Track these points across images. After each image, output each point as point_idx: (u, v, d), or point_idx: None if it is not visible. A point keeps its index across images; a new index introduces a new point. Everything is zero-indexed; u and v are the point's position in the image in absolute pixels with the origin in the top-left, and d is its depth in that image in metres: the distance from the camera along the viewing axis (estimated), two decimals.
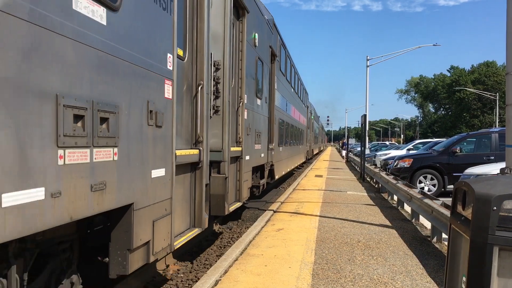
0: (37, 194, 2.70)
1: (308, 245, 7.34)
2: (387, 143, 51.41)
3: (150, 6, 4.24)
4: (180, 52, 5.37)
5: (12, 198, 2.49)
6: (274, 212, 10.67)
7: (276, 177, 14.09)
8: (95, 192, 3.33)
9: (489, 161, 14.24)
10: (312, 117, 40.13)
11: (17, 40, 2.52)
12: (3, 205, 2.43)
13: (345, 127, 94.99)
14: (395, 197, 12.37)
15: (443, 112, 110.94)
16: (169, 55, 4.73)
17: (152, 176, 4.38)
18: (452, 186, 3.10)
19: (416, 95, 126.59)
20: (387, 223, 9.49)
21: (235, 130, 8.35)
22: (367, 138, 27.08)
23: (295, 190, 15.24)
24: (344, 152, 43.76)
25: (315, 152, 48.29)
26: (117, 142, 3.64)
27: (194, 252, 8.17)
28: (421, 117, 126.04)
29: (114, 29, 3.57)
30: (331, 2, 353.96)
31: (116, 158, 3.64)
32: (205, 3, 5.90)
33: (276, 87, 13.67)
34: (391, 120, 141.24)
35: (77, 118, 3.11)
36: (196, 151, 5.76)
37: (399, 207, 11.64)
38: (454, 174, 14.97)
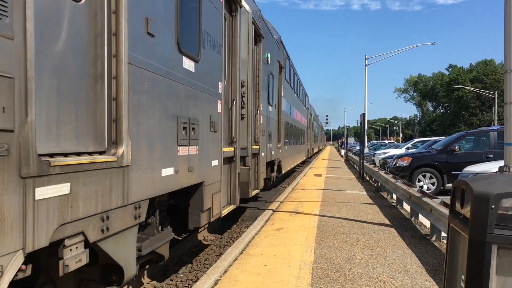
0: (170, 171, 4.81)
1: (308, 244, 7.35)
2: (386, 141, 51.40)
3: (212, 54, 6.43)
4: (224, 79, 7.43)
5: (164, 173, 4.62)
6: (274, 211, 10.68)
7: (283, 171, 16.23)
8: (189, 172, 5.44)
9: (488, 160, 14.24)
10: (312, 117, 41.95)
11: (163, 88, 4.60)
12: (162, 175, 4.59)
13: (344, 126, 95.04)
14: (394, 196, 12.39)
15: (441, 110, 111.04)
16: (219, 83, 6.92)
17: (212, 165, 6.48)
18: (451, 185, 3.11)
19: (414, 94, 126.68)
20: (387, 222, 9.50)
21: (254, 132, 10.27)
22: (366, 137, 27.13)
23: (294, 190, 15.25)
24: (343, 151, 43.80)
25: (315, 151, 50.27)
26: (198, 143, 5.74)
27: (193, 252, 8.17)
28: (420, 116, 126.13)
29: (196, 73, 5.67)
30: (330, 1, 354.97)
31: (197, 152, 5.71)
32: (237, 41, 8.21)
33: (282, 95, 15.76)
34: (390, 119, 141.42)
35: (183, 128, 5.16)
36: (232, 149, 7.91)
37: (398, 206, 11.66)
38: (453, 172, 14.98)
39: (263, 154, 11.30)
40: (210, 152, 6.32)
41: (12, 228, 2.56)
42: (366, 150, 29.11)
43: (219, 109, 6.85)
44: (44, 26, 2.98)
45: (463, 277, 3.00)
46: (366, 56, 35.59)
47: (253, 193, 10.02)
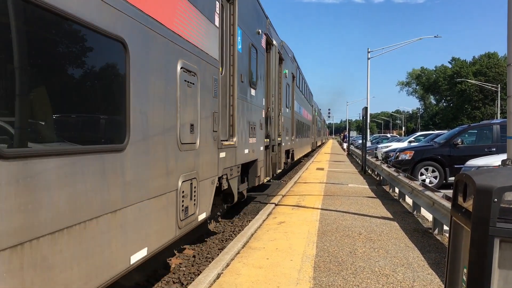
0: (247, 151, 9.11)
1: (310, 238, 7.36)
2: (389, 135, 51.30)
3: (260, 81, 10.49)
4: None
5: (245, 151, 8.99)
6: (276, 205, 10.69)
7: (295, 158, 21.43)
8: (253, 152, 9.64)
9: (490, 153, 14.21)
10: (316, 113, 44.98)
11: (245, 107, 8.93)
12: (245, 152, 8.88)
13: (346, 119, 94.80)
14: (397, 190, 12.38)
15: (444, 104, 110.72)
16: (263, 99, 11.25)
17: (260, 149, 10.68)
18: (453, 178, 3.10)
19: (417, 87, 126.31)
20: (389, 215, 9.50)
21: (278, 128, 13.89)
22: (368, 130, 27.09)
23: (296, 183, 15.26)
24: (345, 145, 43.75)
25: (318, 144, 55.06)
26: (255, 136, 9.88)
27: (195, 245, 8.19)
28: (422, 109, 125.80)
29: (255, 96, 9.73)
30: None
31: (255, 141, 9.92)
32: (270, 68, 12.48)
33: (294, 98, 20.00)
34: (392, 112, 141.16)
35: (250, 128, 9.33)
36: (267, 140, 12.07)
37: (400, 200, 11.65)
38: (455, 166, 14.96)
39: (283, 144, 15.42)
40: (259, 142, 10.67)
41: (215, 167, 6.88)
42: (369, 144, 29.07)
43: (263, 115, 11.21)
44: (224, 89, 7.75)
45: (465, 270, 2.99)
46: (369, 50, 35.46)
47: (278, 171, 14.44)
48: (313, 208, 10.25)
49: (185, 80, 5.41)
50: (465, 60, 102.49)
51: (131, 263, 4.11)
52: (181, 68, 5.24)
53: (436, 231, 7.84)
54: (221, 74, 7.35)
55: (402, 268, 5.83)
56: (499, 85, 66.03)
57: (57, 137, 3.29)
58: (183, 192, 5.42)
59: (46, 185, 2.97)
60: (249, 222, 9.25)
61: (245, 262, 6.04)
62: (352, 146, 40.49)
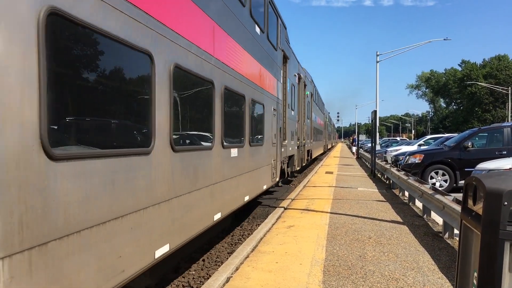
0: (290, 148, 15.87)
1: (319, 242, 7.35)
2: (398, 138, 51.02)
3: (295, 103, 17.17)
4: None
5: (289, 148, 15.26)
6: (285, 209, 10.69)
7: (313, 156, 28.03)
8: (292, 150, 15.97)
9: (501, 156, 14.09)
10: (327, 120, 53.04)
11: (289, 123, 15.41)
12: (289, 149, 15.35)
13: (355, 123, 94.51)
14: (406, 193, 12.31)
15: (454, 107, 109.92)
16: (296, 115, 17.64)
17: (295, 148, 16.81)
18: (463, 182, 3.09)
19: (427, 90, 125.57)
20: (399, 219, 9.45)
21: (302, 134, 19.63)
22: (377, 134, 26.99)
23: (305, 187, 15.24)
24: (354, 148, 43.55)
25: (329, 146, 62.72)
26: (293, 139, 16.68)
27: (205, 249, 8.22)
28: (432, 112, 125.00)
29: (293, 114, 16.31)
30: None
31: (293, 143, 16.26)
32: (300, 93, 18.89)
33: (312, 111, 26.42)
34: (401, 115, 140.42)
35: (292, 135, 16.18)
36: (298, 142, 17.72)
37: (410, 203, 11.59)
38: (466, 169, 14.83)
39: (306, 145, 21.60)
40: (295, 143, 16.34)
41: (281, 155, 13.46)
42: (378, 147, 28.93)
43: (296, 126, 17.13)
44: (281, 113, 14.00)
45: (475, 274, 2.98)
46: (378, 53, 35.35)
47: (303, 164, 20.70)
48: (322, 212, 10.23)
49: (274, 109, 12.09)
50: (475, 62, 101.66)
51: (260, 191, 10.50)
52: (273, 109, 12.09)
53: (446, 235, 7.79)
54: (290, 108, 15.57)
55: (412, 272, 5.80)
56: (510, 87, 65.45)
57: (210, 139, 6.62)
58: (272, 165, 11.78)
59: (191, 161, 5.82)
60: (258, 226, 9.25)
61: (255, 266, 6.05)
62: (361, 149, 40.33)
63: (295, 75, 16.87)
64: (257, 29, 9.93)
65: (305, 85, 20.66)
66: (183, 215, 5.39)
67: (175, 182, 5.11)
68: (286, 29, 14.84)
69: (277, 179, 12.73)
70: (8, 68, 2.70)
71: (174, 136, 5.06)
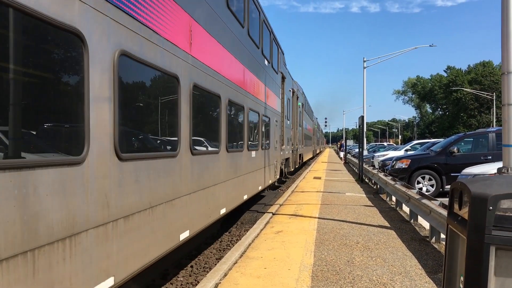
0: (287, 152, 19.79)
1: (307, 247, 7.36)
2: (385, 144, 51.44)
3: (290, 114, 21.21)
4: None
5: (286, 152, 19.41)
6: (273, 214, 10.69)
7: (304, 160, 32.41)
8: (287, 153, 20.04)
9: (486, 161, 14.28)
10: (316, 126, 56.90)
11: (286, 130, 19.51)
12: (286, 153, 19.30)
13: (343, 128, 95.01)
14: (394, 198, 12.40)
15: (440, 112, 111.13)
16: (291, 123, 21.87)
17: (290, 152, 21.40)
18: (450, 187, 3.13)
19: (413, 96, 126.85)
20: (386, 224, 9.51)
21: (295, 140, 23.23)
22: (365, 139, 27.21)
23: (293, 192, 15.26)
24: (342, 154, 43.78)
25: (317, 151, 65.76)
26: (289, 144, 20.78)
27: (193, 255, 8.18)
28: (418, 118, 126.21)
29: (289, 123, 20.88)
30: (329, 4, 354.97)
31: (288, 147, 20.38)
32: (294, 104, 22.81)
33: (303, 119, 30.20)
34: (388, 121, 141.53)
35: (288, 140, 20.13)
36: (292, 147, 22.32)
37: (397, 208, 11.67)
38: (452, 174, 15.00)
39: (298, 149, 25.44)
40: (290, 148, 20.57)
41: (280, 157, 17.29)
42: (365, 153, 29.12)
43: (291, 133, 21.49)
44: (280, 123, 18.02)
45: (462, 278, 3.01)
46: (365, 59, 35.65)
47: (296, 166, 25.07)
48: (311, 217, 10.25)
49: (276, 120, 15.52)
50: (460, 68, 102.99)
51: (267, 184, 13.88)
52: (276, 120, 15.48)
53: (433, 239, 7.86)
54: (286, 119, 18.87)
55: (399, 276, 5.84)
56: (494, 93, 66.39)
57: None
58: (275, 165, 14.83)
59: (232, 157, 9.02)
60: (247, 231, 9.24)
61: (243, 271, 6.04)
62: (348, 154, 40.55)
63: (290, 90, 20.86)
64: (266, 62, 13.32)
65: (297, 97, 24.35)
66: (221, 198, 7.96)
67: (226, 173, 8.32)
68: (283, 54, 18.33)
69: (278, 176, 16.60)
70: (101, 94, 3.80)
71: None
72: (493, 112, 66.69)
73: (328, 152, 76.89)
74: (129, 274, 4.30)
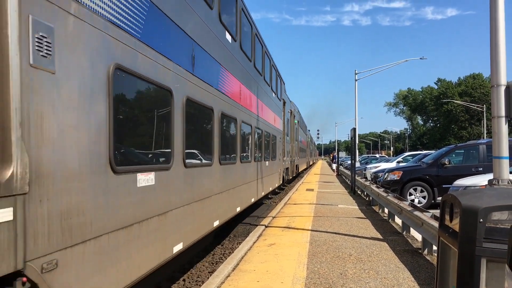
0: (287, 162, 23.83)
1: (300, 260, 7.34)
2: (377, 155, 51.61)
3: (289, 131, 25.14)
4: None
5: (286, 163, 23.42)
6: (266, 227, 10.67)
7: (299, 170, 35.70)
8: (288, 163, 24.24)
9: (477, 173, 14.37)
10: (309, 139, 60.92)
11: (286, 144, 23.73)
12: (286, 163, 23.52)
13: (335, 140, 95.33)
14: (386, 210, 12.43)
15: (431, 124, 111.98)
16: (289, 139, 25.58)
17: (289, 163, 24.88)
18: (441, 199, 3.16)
19: (404, 108, 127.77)
20: (379, 236, 9.52)
21: (292, 152, 26.78)
22: (357, 151, 27.34)
23: (286, 205, 15.25)
24: (334, 166, 43.87)
25: (311, 163, 69.17)
26: (289, 156, 24.85)
27: (185, 268, 8.12)
28: (410, 130, 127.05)
29: (288, 139, 24.55)
30: (321, 17, 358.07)
31: (288, 159, 24.72)
32: (291, 122, 26.45)
33: (299, 134, 32.97)
34: (380, 133, 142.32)
35: (287, 153, 23.66)
36: (291, 158, 25.91)
37: (390, 220, 11.69)
38: (443, 186, 15.08)
39: (295, 160, 28.79)
40: (289, 159, 24.20)
41: (283, 167, 21.65)
42: (357, 164, 29.25)
43: (290, 146, 25.16)
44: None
45: None
46: (356, 71, 35.93)
47: (293, 175, 28.86)
48: (303, 229, 10.24)
49: (279, 137, 19.88)
50: (451, 81, 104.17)
51: (271, 189, 16.79)
52: (279, 137, 19.79)
53: (425, 251, 7.88)
54: (287, 136, 22.93)
55: None
56: (484, 105, 67.11)
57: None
58: (279, 173, 19.05)
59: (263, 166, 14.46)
60: (239, 244, 9.21)
61: (236, 285, 6.01)
62: (341, 166, 40.65)
63: (288, 112, 24.71)
64: (273, 95, 17.12)
65: (294, 116, 28.12)
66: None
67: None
68: (284, 84, 22.47)
69: (281, 182, 20.14)
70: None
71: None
72: (483, 124, 67.32)
73: (320, 164, 77.02)
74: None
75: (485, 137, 61.06)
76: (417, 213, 8.40)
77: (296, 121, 30.22)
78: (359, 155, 47.93)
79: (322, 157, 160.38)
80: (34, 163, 3.06)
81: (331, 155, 75.46)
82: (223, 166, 8.51)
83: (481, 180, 11.25)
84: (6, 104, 2.87)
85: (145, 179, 4.83)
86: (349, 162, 32.80)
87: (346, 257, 7.56)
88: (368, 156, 49.95)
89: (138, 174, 4.67)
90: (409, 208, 9.18)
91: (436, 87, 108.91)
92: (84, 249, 3.63)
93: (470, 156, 16.34)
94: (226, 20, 8.78)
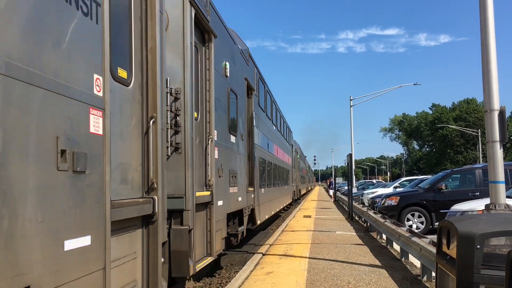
0: (293, 188, 31.41)
1: None
2: (374, 181, 51.61)
3: (295, 163, 33.90)
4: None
5: (293, 187, 29.79)
6: (263, 255, 10.55)
7: (301, 193, 45.20)
8: (293, 188, 32.36)
9: (474, 197, 14.36)
10: (307, 168, 68.15)
11: (294, 174, 31.52)
12: (293, 189, 30.83)
13: (332, 166, 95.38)
14: (384, 236, 12.34)
15: (427, 149, 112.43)
16: (295, 170, 34.23)
17: (294, 188, 31.89)
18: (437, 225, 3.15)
19: (400, 133, 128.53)
20: (377, 262, 9.43)
21: (297, 179, 37.59)
22: (354, 177, 27.37)
23: (283, 232, 15.13)
24: (331, 192, 43.86)
25: (309, 188, 74.30)
26: (294, 182, 32.60)
27: None
28: (406, 155, 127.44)
29: (294, 168, 32.93)
30: (316, 45, 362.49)
31: (293, 184, 31.16)
32: (296, 158, 36.23)
33: (299, 165, 40.36)
34: (377, 158, 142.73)
35: (293, 179, 31.18)
36: (294, 184, 32.85)
37: (388, 246, 11.60)
38: (441, 211, 15.04)
39: (298, 186, 36.54)
40: (295, 184, 33.09)
41: (292, 192, 29.89)
42: (355, 190, 29.20)
43: (294, 175, 31.98)
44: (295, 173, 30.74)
45: None
46: (351, 97, 36.28)
47: (298, 195, 39.58)
48: (301, 257, 10.13)
49: (289, 170, 26.84)
50: (445, 106, 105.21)
51: (287, 203, 25.19)
52: (289, 170, 26.37)
53: (425, 278, 7.78)
54: (293, 168, 30.05)
55: None
56: (479, 130, 67.53)
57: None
58: (290, 194, 26.40)
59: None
60: (236, 273, 9.08)
61: None
62: (338, 192, 40.57)
63: (294, 150, 30.89)
64: (286, 144, 23.34)
65: (296, 151, 34.17)
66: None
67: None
68: (292, 132, 28.89)
69: (291, 201, 25.65)
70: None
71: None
72: (479, 148, 67.65)
73: (317, 190, 76.81)
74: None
75: (481, 161, 61.27)
76: (415, 239, 8.34)
77: (298, 156, 37.45)
78: (356, 180, 47.94)
79: (319, 183, 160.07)
80: None
81: (328, 181, 75.37)
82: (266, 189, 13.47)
83: (478, 204, 11.24)
84: None
85: None
86: (346, 187, 32.96)
87: (345, 285, 7.47)
88: (365, 182, 49.95)
89: None
90: (407, 234, 9.12)
91: (430, 112, 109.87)
92: None
93: (467, 180, 16.37)
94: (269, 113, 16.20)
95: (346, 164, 26.00)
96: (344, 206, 27.53)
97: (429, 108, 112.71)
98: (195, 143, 6.89)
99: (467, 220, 3.10)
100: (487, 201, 7.52)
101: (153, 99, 4.84)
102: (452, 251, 3.06)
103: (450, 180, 16.67)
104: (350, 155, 22.15)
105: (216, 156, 7.97)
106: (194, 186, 6.55)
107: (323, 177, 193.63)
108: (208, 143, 7.54)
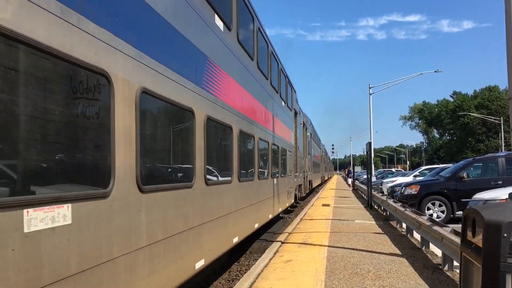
0: (300, 179, 22.78)
1: (318, 277, 7.24)
2: (393, 169, 51.18)
3: (301, 144, 23.47)
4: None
5: (299, 179, 22.26)
6: (282, 243, 10.57)
7: (313, 186, 33.90)
8: (300, 180, 23.03)
9: (497, 186, 14.11)
10: (323, 154, 60.45)
11: (299, 159, 22.73)
12: (299, 180, 22.08)
13: (350, 155, 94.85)
14: (404, 225, 12.24)
15: (448, 137, 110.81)
16: (302, 154, 24.42)
17: (301, 179, 23.38)
18: (461, 212, 3.06)
19: (420, 121, 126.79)
20: (397, 251, 9.36)
21: (305, 167, 26.15)
22: (372, 165, 27.14)
23: (302, 220, 15.12)
24: (350, 180, 43.59)
25: (326, 178, 66.80)
26: (302, 171, 24.53)
27: (202, 287, 8.06)
28: (426, 143, 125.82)
29: (301, 152, 23.47)
30: (336, 32, 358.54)
31: (301, 174, 23.81)
32: (304, 135, 25.75)
33: (311, 147, 31.81)
34: (396, 146, 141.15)
35: (300, 168, 22.94)
36: (302, 174, 23.73)
37: (408, 235, 11.50)
38: (462, 200, 14.83)
39: (307, 176, 27.06)
40: (302, 175, 23.40)
41: (295, 183, 20.41)
42: (374, 179, 28.98)
43: (302, 162, 23.44)
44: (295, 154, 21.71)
45: None
46: (370, 85, 35.87)
47: (307, 191, 26.94)
48: (320, 245, 10.12)
49: (289, 151, 17.91)
50: (467, 93, 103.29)
51: (286, 206, 17.58)
52: (289, 151, 17.64)
53: (446, 267, 7.70)
54: (293, 148, 19.38)
55: None
56: (501, 117, 66.23)
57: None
58: (290, 190, 17.64)
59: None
60: (256, 261, 9.12)
61: None
62: (357, 181, 40.32)
63: (301, 123, 23.20)
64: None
65: (306, 128, 26.49)
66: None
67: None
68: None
69: (292, 200, 18.90)
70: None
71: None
72: (501, 137, 66.37)
73: (336, 179, 76.51)
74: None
75: (503, 149, 60.17)
76: (436, 228, 8.24)
77: (308, 134, 28.29)
78: (374, 169, 47.59)
79: (338, 171, 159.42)
80: None
81: (347, 169, 74.97)
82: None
83: (501, 193, 11.03)
84: None
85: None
86: (365, 176, 32.60)
87: (365, 273, 7.43)
88: (384, 171, 49.55)
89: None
90: (428, 223, 9.01)
91: (451, 100, 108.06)
92: None
93: (489, 169, 16.10)
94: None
95: (364, 153, 25.24)
96: (363, 195, 27.36)
97: (450, 96, 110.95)
98: (306, 159, 21.92)
99: (494, 208, 3.03)
100: (510, 189, 7.39)
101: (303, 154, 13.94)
102: (478, 240, 3.00)
103: (471, 168, 16.40)
104: (369, 143, 21.95)
105: (308, 163, 25.34)
106: (308, 171, 24.53)
107: (342, 165, 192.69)
108: (306, 159, 24.23)
